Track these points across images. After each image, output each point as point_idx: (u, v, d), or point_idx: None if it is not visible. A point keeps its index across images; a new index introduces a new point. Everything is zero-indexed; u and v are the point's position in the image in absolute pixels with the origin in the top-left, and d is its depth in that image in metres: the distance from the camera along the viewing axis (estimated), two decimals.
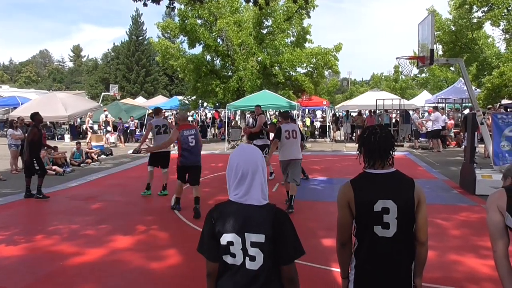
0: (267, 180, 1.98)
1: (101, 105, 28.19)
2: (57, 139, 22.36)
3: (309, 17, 21.07)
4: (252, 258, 1.84)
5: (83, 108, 23.09)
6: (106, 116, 20.74)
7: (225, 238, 1.86)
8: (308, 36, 22.02)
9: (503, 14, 18.83)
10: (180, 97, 26.77)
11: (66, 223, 6.70)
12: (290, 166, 7.51)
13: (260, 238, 1.83)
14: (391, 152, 2.33)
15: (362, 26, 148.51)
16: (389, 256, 2.25)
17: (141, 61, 52.17)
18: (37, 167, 8.48)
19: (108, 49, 69.07)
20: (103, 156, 15.53)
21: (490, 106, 18.21)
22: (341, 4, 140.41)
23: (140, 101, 35.28)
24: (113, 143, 20.15)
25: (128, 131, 21.96)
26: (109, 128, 20.70)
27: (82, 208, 7.89)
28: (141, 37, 53.73)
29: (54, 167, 11.94)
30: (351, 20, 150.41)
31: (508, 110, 19.18)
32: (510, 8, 18.99)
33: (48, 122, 22.79)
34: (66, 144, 19.24)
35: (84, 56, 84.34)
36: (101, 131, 20.39)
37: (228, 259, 1.88)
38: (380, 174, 2.30)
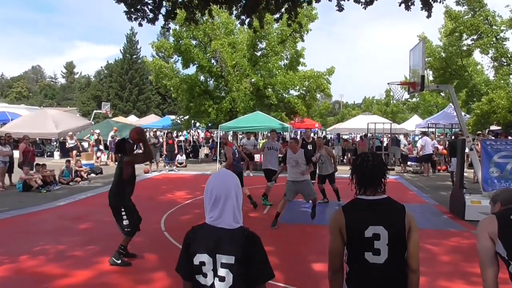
0: (241, 205, 2.07)
1: (92, 122, 28.02)
2: (46, 156, 22.14)
3: (302, 40, 21.38)
4: (222, 279, 1.92)
5: (74, 126, 22.93)
6: (99, 135, 20.56)
7: (198, 258, 1.96)
8: (301, 59, 22.28)
9: (492, 42, 19.28)
10: (173, 117, 26.78)
11: (53, 244, 6.58)
12: None
13: (230, 259, 1.91)
14: (383, 179, 2.35)
15: (355, 50, 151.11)
16: (380, 283, 2.24)
17: (134, 80, 52.24)
18: (124, 218, 5.67)
19: (101, 67, 69.25)
20: (92, 175, 15.37)
21: (479, 132, 18.44)
22: (334, 27, 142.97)
23: (132, 119, 35.25)
24: (104, 162, 20.01)
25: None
26: (101, 147, 20.49)
27: (70, 228, 7.76)
28: (135, 56, 53.89)
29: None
30: (344, 43, 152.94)
31: (498, 136, 19.46)
32: (498, 37, 19.46)
33: (37, 139, 22.62)
34: (55, 162, 19.04)
35: (77, 73, 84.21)
36: (92, 148, 20.15)
37: (201, 279, 1.96)
38: (371, 200, 2.32)
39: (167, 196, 11.41)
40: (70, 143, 19.52)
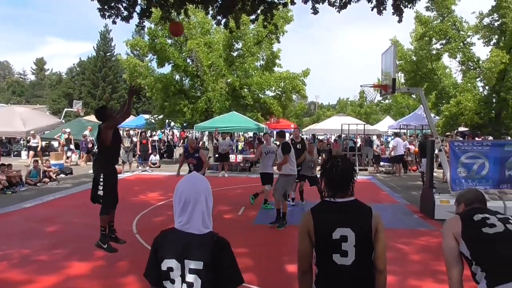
0: (211, 209, 2.02)
1: (63, 121, 27.36)
2: (13, 156, 21.46)
3: (278, 42, 21.49)
4: (190, 285, 1.89)
5: (44, 124, 22.33)
6: (69, 134, 20.05)
7: (166, 264, 1.91)
8: (277, 60, 22.39)
9: (459, 47, 19.90)
10: (147, 116, 26.44)
11: (17, 247, 6.33)
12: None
13: (199, 265, 1.88)
14: (351, 183, 2.39)
15: (329, 52, 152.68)
16: (348, 285, 2.27)
17: (108, 78, 51.24)
18: (100, 188, 5.51)
19: (73, 64, 67.35)
20: (62, 175, 14.98)
21: (448, 133, 18.95)
22: (309, 29, 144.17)
23: None
24: (75, 162, 19.52)
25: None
26: (72, 147, 19.98)
27: (37, 230, 7.51)
28: (109, 53, 52.84)
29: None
30: (319, 46, 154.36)
31: (466, 137, 20.02)
32: (465, 42, 20.11)
33: (3, 138, 21.90)
34: (22, 162, 18.45)
35: (48, 69, 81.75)
36: (62, 148, 19.62)
37: (168, 285, 1.92)
38: (339, 202, 2.36)
39: (140, 197, 11.23)
40: (33, 142, 18.89)
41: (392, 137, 21.42)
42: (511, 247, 2.31)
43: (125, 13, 8.22)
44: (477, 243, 2.39)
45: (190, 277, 1.88)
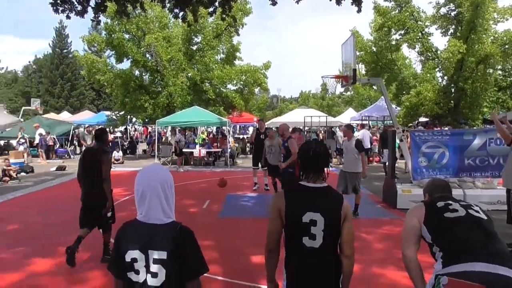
0: (171, 199, 2.01)
1: (22, 119, 26.34)
2: None
3: (238, 34, 21.40)
4: (154, 275, 1.89)
5: (1, 123, 21.50)
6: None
7: (129, 255, 1.91)
8: (237, 54, 22.30)
9: (418, 37, 20.17)
10: (108, 112, 25.85)
11: None
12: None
13: (162, 255, 1.88)
14: (324, 168, 2.47)
15: (291, 44, 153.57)
16: (316, 266, 2.34)
17: (66, 75, 49.50)
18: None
19: (29, 61, 64.63)
20: (23, 174, 14.51)
21: (410, 124, 19.28)
22: (271, 21, 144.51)
23: (65, 116, 33.56)
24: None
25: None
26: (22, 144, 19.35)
27: None
28: (65, 50, 51.07)
29: None
30: (281, 38, 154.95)
31: (426, 127, 20.57)
32: (423, 32, 20.47)
33: None
34: None
35: (2, 68, 78.09)
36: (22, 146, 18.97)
37: (133, 276, 1.92)
38: (312, 187, 2.42)
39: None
40: None
41: (357, 129, 21.72)
42: (470, 229, 2.41)
43: (79, 7, 7.98)
44: (438, 226, 2.50)
45: (154, 267, 1.88)
